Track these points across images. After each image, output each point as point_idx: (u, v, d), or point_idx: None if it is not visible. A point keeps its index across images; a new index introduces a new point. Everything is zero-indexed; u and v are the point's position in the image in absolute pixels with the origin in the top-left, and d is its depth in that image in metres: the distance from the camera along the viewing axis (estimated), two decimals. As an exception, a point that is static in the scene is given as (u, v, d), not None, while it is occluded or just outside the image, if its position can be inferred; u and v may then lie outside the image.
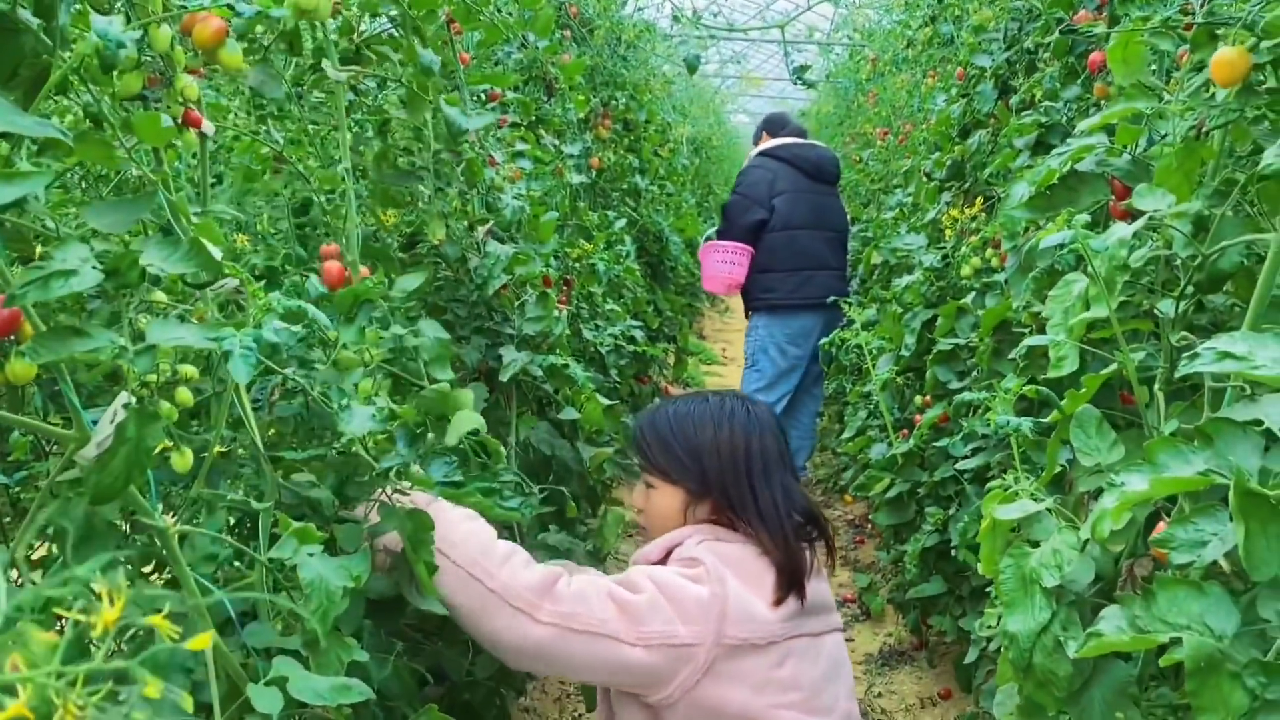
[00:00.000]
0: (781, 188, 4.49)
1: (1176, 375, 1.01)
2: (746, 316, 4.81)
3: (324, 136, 2.34)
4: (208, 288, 1.15)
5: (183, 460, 1.11)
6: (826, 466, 5.54)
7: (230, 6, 1.03)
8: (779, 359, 4.60)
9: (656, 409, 1.79)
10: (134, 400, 0.96)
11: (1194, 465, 0.92)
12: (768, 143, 4.68)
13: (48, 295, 0.81)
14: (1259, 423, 0.99)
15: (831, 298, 4.23)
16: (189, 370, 1.14)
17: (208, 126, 1.28)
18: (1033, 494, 1.33)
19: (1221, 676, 0.85)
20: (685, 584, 1.51)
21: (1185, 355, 0.94)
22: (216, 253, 1.05)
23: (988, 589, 2.19)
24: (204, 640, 0.47)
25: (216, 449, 1.12)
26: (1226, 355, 0.89)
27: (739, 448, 1.66)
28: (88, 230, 0.98)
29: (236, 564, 1.28)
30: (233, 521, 1.44)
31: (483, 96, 2.96)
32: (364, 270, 1.71)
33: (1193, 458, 0.93)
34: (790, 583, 1.56)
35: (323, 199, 2.01)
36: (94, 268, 0.89)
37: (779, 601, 1.54)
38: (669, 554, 1.62)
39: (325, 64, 2.05)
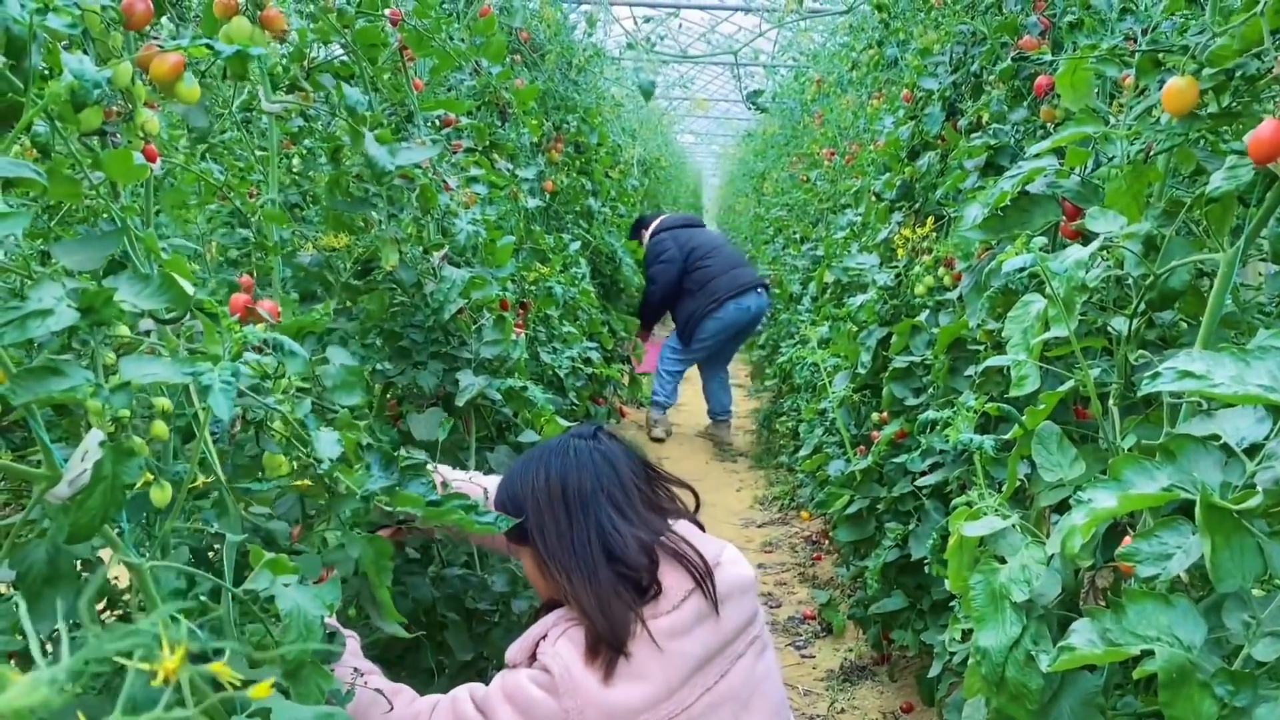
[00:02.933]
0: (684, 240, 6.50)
1: (1139, 394, 1.04)
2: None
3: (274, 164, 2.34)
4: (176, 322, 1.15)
5: (162, 494, 1.10)
6: (783, 484, 5.59)
7: (209, 45, 1.03)
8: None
9: (505, 474, 1.69)
10: (106, 437, 0.94)
11: (1158, 481, 0.95)
12: (650, 228, 6.61)
13: (25, 335, 0.80)
14: (1216, 436, 1.03)
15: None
16: (164, 403, 1.13)
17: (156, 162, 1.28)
18: (997, 510, 1.36)
19: (1192, 686, 0.88)
20: (536, 699, 1.43)
21: (1147, 375, 0.98)
22: (188, 287, 1.04)
23: (950, 603, 2.23)
24: (264, 689, 0.47)
25: (199, 481, 1.10)
26: (1187, 374, 0.93)
27: (555, 492, 1.55)
28: (57, 267, 0.96)
29: (202, 598, 1.27)
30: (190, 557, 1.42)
31: (437, 122, 2.96)
32: (267, 303, 1.68)
33: (1157, 474, 0.96)
34: (605, 644, 1.44)
35: (263, 233, 2.00)
36: (69, 306, 0.88)
37: (606, 676, 1.43)
38: (537, 647, 1.52)
39: (260, 94, 2.05)
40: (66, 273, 1.02)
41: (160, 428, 1.12)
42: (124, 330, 1.18)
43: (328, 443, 1.31)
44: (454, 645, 2.03)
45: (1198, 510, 0.88)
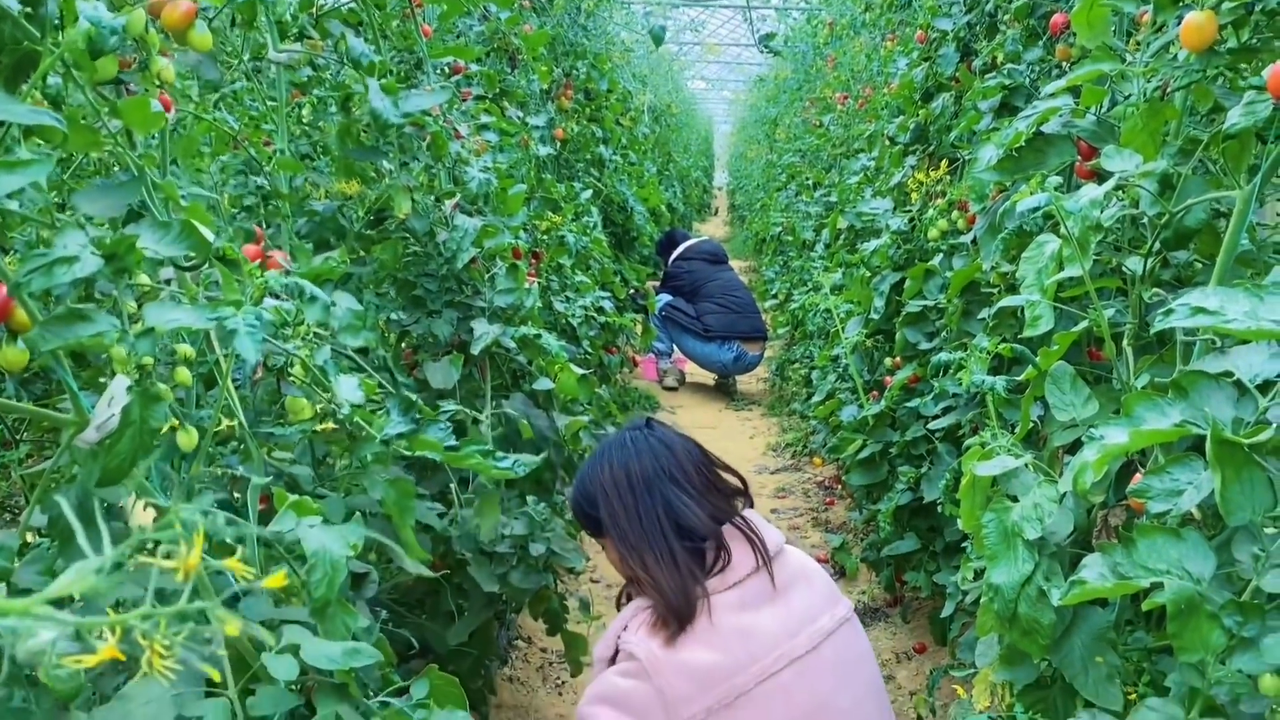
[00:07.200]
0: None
1: (1152, 330, 1.04)
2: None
3: (287, 115, 2.33)
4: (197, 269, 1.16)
5: (188, 439, 1.12)
6: (795, 430, 5.61)
7: (224, -11, 1.03)
8: None
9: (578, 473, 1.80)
10: (133, 382, 0.96)
11: (1170, 417, 0.96)
12: (678, 250, 6.79)
13: (51, 282, 0.81)
14: (1229, 374, 1.04)
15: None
16: (186, 350, 1.15)
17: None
18: (1010, 450, 1.37)
19: (1201, 617, 0.90)
20: (626, 690, 1.50)
21: (1160, 311, 0.98)
22: (208, 234, 1.06)
23: (962, 544, 2.25)
24: (280, 578, 0.49)
25: (222, 425, 1.12)
26: (1200, 310, 0.93)
27: (620, 480, 1.65)
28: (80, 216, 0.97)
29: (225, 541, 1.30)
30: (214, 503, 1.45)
31: (446, 70, 2.94)
32: (278, 254, 1.69)
33: (1169, 410, 0.97)
34: (674, 616, 1.51)
35: (279, 181, 2.00)
36: (93, 253, 0.89)
37: (668, 642, 1.49)
38: (619, 639, 1.59)
39: (268, 43, 2.04)
40: (82, 224, 1.03)
41: (184, 374, 1.14)
42: (144, 279, 1.20)
43: (348, 388, 1.33)
44: (477, 579, 2.07)
45: (1209, 444, 0.88)
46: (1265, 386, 1.01)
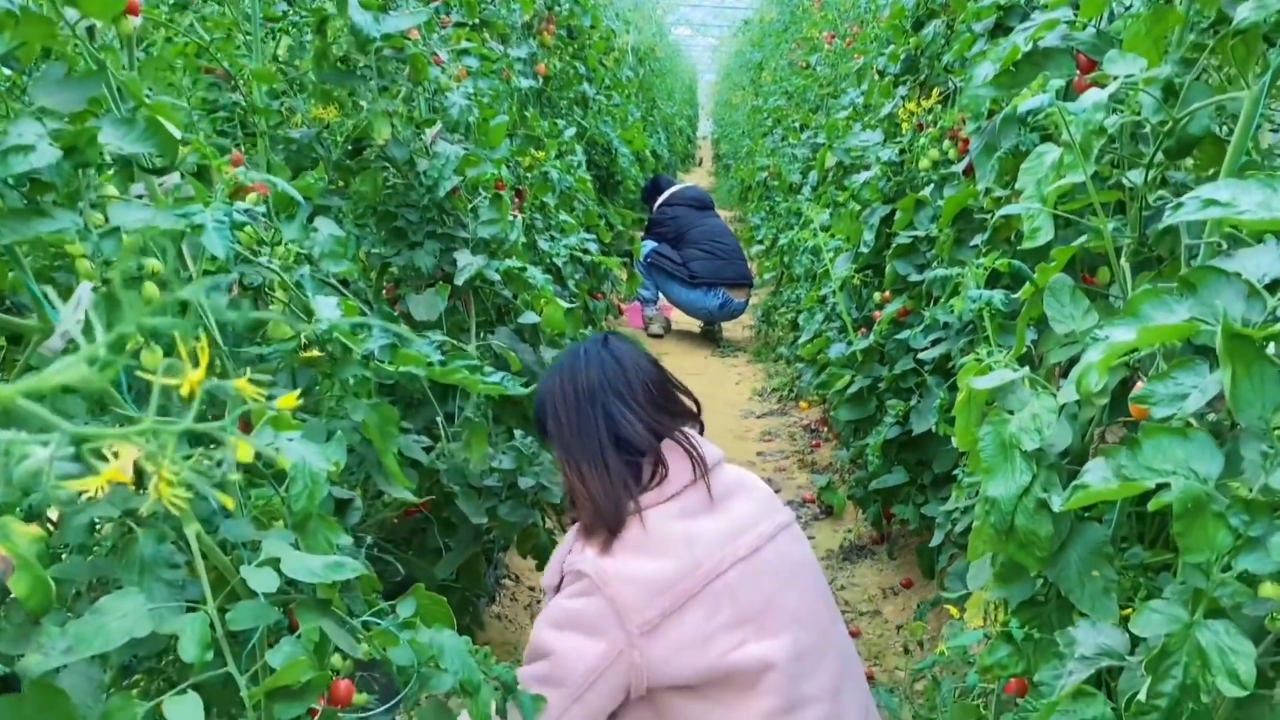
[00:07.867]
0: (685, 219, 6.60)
1: (1161, 224, 1.01)
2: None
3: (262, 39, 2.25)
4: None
5: (153, 358, 1.07)
6: (781, 376, 5.59)
7: None
8: None
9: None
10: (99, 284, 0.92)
11: (1178, 314, 0.93)
12: (663, 196, 6.70)
13: (8, 171, 0.77)
14: (1237, 274, 1.01)
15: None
16: (155, 265, 1.10)
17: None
18: (1007, 365, 1.34)
19: (1207, 517, 0.87)
20: (577, 608, 1.51)
21: (1170, 205, 0.94)
22: (175, 132, 1.00)
23: (952, 472, 2.24)
24: (291, 399, 0.46)
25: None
26: (1212, 202, 0.90)
27: (567, 390, 1.66)
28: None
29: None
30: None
31: (426, -4, 2.86)
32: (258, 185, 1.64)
33: (1176, 306, 0.94)
34: (604, 525, 1.54)
35: (253, 98, 1.93)
36: (50, 144, 0.84)
37: (605, 547, 1.53)
38: (564, 564, 1.61)
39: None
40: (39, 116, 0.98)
41: (152, 290, 1.09)
42: (111, 190, 1.14)
43: (326, 306, 1.29)
44: (465, 511, 2.05)
45: (1219, 338, 0.85)
46: (1274, 286, 0.98)
